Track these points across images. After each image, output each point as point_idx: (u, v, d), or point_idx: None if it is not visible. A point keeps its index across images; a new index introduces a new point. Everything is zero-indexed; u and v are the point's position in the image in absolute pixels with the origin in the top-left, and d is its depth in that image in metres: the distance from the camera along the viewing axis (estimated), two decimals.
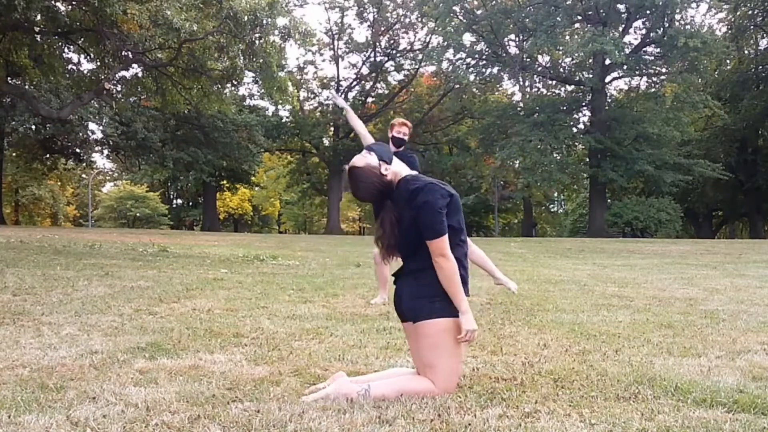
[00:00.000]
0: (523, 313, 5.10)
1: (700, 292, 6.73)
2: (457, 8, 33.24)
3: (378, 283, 5.83)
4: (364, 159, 2.73)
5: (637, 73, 33.38)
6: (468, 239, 3.40)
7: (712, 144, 37.27)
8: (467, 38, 35.06)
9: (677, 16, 31.05)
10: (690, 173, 31.81)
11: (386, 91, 43.24)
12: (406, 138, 5.53)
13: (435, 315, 2.65)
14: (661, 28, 31.14)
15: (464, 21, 33.76)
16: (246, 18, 14.90)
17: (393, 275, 2.87)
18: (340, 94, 42.60)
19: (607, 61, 30.69)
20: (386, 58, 41.34)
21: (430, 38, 38.85)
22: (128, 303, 5.18)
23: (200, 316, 4.67)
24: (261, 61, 16.26)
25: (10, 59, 18.21)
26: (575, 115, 35.60)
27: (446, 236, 2.63)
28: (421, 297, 2.69)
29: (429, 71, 42.05)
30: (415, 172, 2.84)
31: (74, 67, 20.06)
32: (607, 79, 33.48)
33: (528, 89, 39.78)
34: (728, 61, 36.38)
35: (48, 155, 32.93)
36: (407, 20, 40.10)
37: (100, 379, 2.84)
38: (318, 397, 2.55)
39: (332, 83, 42.95)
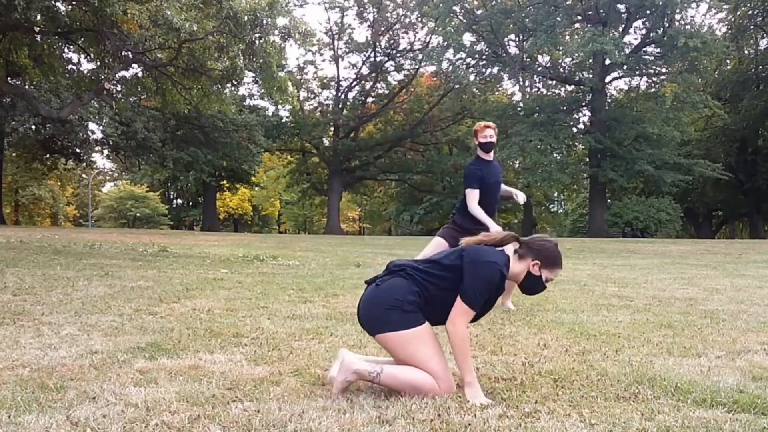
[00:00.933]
0: (523, 313, 5.10)
1: (700, 292, 6.73)
2: (457, 8, 33.25)
3: None
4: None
5: (637, 73, 33.39)
6: None
7: (712, 144, 37.28)
8: (467, 38, 35.10)
9: (677, 16, 31.06)
10: (690, 173, 31.82)
11: (386, 91, 43.26)
12: (494, 140, 5.21)
13: (392, 328, 2.61)
14: (661, 28, 31.15)
15: (464, 21, 33.77)
16: (246, 18, 14.92)
17: (366, 282, 2.88)
18: (340, 93, 42.68)
19: (607, 61, 30.69)
20: (386, 58, 41.37)
21: (430, 38, 38.91)
22: (128, 303, 5.18)
23: (200, 316, 4.67)
24: (261, 61, 16.28)
25: (10, 59, 18.21)
26: (575, 115, 35.62)
27: (473, 313, 2.63)
28: (376, 304, 2.67)
29: (429, 71, 42.07)
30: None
31: (74, 67, 20.08)
32: (607, 79, 33.50)
33: (528, 89, 39.79)
34: (728, 61, 36.38)
35: (48, 155, 32.92)
36: (407, 20, 40.15)
37: (100, 379, 2.84)
38: (332, 375, 2.65)
39: (332, 83, 43.02)
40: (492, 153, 5.27)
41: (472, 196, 5.13)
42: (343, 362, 2.66)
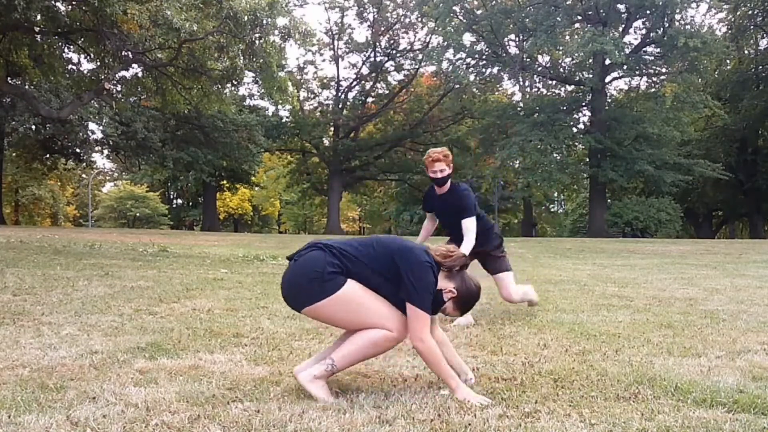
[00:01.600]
0: (523, 313, 5.10)
1: (700, 292, 6.73)
2: (457, 8, 33.25)
3: None
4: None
5: (637, 73, 33.39)
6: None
7: (712, 144, 37.28)
8: (467, 38, 35.10)
9: (677, 16, 31.06)
10: (690, 173, 31.82)
11: (386, 91, 43.26)
12: (445, 174, 4.52)
13: (315, 299, 2.55)
14: (661, 28, 31.15)
15: (464, 21, 33.77)
16: (246, 18, 14.92)
17: (287, 258, 2.81)
18: (340, 93, 42.69)
19: (607, 61, 30.69)
20: (386, 58, 41.37)
21: (430, 38, 38.91)
22: (128, 303, 5.18)
23: (200, 316, 4.67)
24: (261, 61, 16.29)
25: (10, 59, 18.22)
26: (575, 115, 35.61)
27: (429, 318, 2.57)
28: (296, 279, 2.61)
29: (429, 71, 42.06)
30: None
31: (74, 67, 20.09)
32: (607, 79, 33.49)
33: (528, 89, 39.81)
34: (728, 61, 36.39)
35: (48, 155, 32.91)
36: (407, 20, 40.15)
37: (100, 379, 2.84)
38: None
39: (332, 83, 43.03)
40: (446, 185, 4.62)
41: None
42: (302, 381, 2.60)
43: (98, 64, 18.73)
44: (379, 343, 2.57)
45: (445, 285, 2.68)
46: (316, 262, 2.59)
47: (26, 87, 22.52)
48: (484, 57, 35.46)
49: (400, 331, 2.57)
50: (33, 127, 27.73)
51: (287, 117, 41.86)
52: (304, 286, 2.58)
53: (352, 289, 2.57)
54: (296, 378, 2.66)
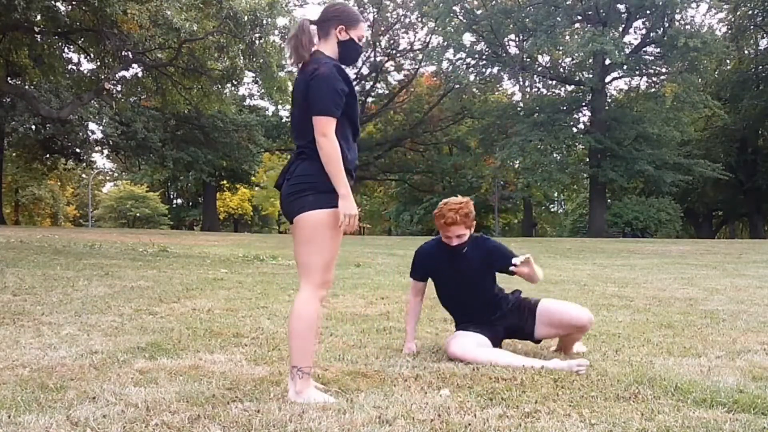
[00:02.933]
0: None
1: (700, 292, 6.73)
2: (457, 8, 33.25)
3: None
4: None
5: (637, 73, 33.39)
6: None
7: (712, 144, 37.28)
8: (467, 38, 35.11)
9: (677, 16, 31.07)
10: (690, 173, 31.81)
11: (386, 91, 43.27)
12: (461, 242, 3.46)
13: (306, 209, 2.58)
14: (661, 28, 31.15)
15: (464, 21, 33.77)
16: (246, 18, 14.93)
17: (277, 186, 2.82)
18: None
19: (607, 61, 30.68)
20: (386, 58, 41.36)
21: (430, 38, 38.91)
22: (128, 303, 5.18)
23: (200, 316, 4.67)
24: (261, 61, 16.29)
25: (10, 59, 18.21)
26: (575, 115, 35.61)
27: (334, 120, 2.55)
28: (293, 194, 2.63)
29: (429, 71, 42.07)
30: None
31: (74, 67, 20.08)
32: (607, 79, 33.48)
33: (528, 89, 39.79)
34: (728, 61, 36.38)
35: (48, 155, 32.88)
36: (407, 20, 40.14)
37: (100, 379, 2.84)
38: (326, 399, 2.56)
39: None
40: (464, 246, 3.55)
41: None
42: (293, 400, 2.54)
43: (98, 64, 18.72)
44: (304, 313, 2.61)
45: (334, 37, 2.68)
46: (306, 175, 2.60)
47: (26, 87, 22.50)
48: (484, 57, 35.46)
49: (321, 284, 2.63)
50: (33, 127, 27.69)
51: (287, 117, 41.88)
52: (299, 198, 2.60)
53: (329, 221, 2.58)
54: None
